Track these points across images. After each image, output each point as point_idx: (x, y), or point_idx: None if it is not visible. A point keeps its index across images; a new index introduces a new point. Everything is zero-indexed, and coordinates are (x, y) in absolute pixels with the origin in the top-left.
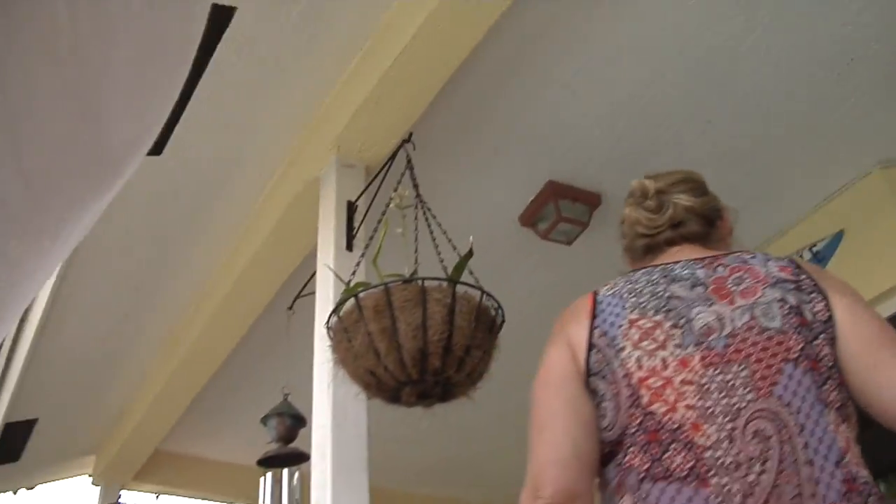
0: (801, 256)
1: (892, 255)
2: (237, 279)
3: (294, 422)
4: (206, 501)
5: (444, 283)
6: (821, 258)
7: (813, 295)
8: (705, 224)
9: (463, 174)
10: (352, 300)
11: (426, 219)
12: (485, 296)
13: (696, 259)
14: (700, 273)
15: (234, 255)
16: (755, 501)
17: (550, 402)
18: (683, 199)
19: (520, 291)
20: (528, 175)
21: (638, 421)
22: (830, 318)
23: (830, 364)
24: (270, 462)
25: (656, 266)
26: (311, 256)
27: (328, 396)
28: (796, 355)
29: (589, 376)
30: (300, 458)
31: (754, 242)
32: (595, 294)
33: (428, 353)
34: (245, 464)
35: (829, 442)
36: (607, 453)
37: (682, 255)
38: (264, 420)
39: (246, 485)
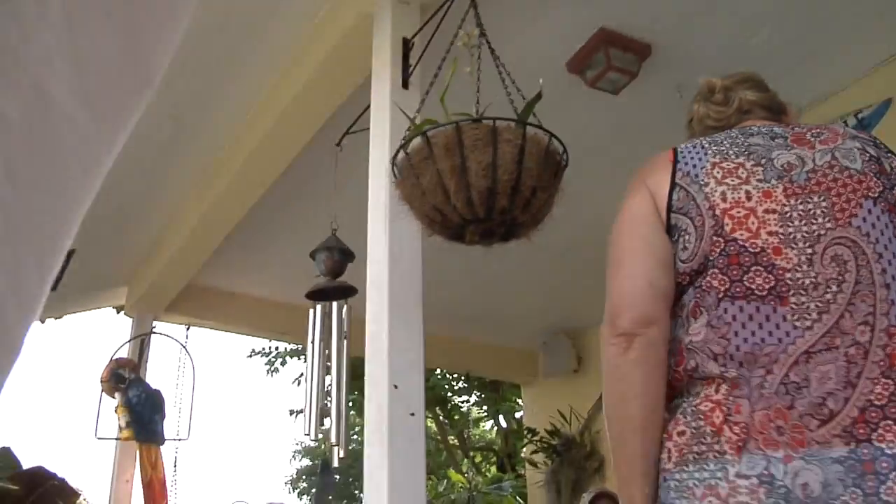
0: (845, 122)
1: None
2: (281, 113)
3: (342, 256)
4: (235, 334)
5: (514, 124)
6: (866, 124)
7: (890, 155)
8: (771, 114)
9: (513, 18)
10: (420, 137)
11: (493, 59)
12: (552, 139)
13: (772, 122)
14: (778, 129)
15: (278, 89)
16: (830, 317)
17: (628, 241)
18: (749, 94)
19: (563, 138)
20: (578, 21)
21: (720, 248)
22: None
23: None
24: (319, 295)
25: (732, 129)
26: (359, 93)
27: (385, 233)
28: (876, 195)
29: (670, 213)
30: (349, 292)
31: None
32: (675, 148)
33: (496, 193)
34: (276, 299)
35: None
36: (687, 283)
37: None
38: (313, 254)
39: (278, 320)
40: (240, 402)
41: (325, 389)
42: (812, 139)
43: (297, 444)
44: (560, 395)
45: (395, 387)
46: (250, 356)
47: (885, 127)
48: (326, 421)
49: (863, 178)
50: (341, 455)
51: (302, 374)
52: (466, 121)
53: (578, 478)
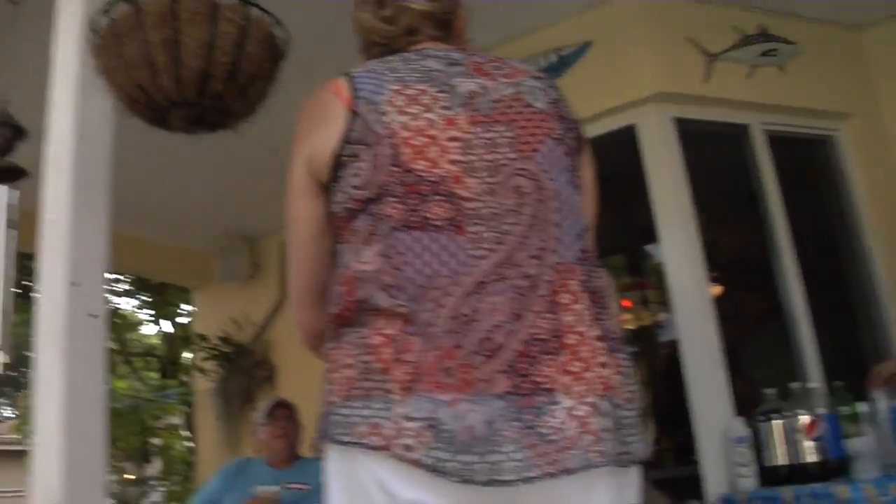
0: (546, 58)
1: (632, 74)
2: None
3: (13, 132)
4: None
5: (239, 1)
6: (566, 62)
7: (566, 103)
8: (442, 28)
9: None
10: (128, 1)
11: None
12: (276, 24)
13: (445, 45)
14: (455, 55)
15: None
16: (505, 248)
17: (294, 228)
18: (418, 4)
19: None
20: None
21: (397, 178)
22: (576, 121)
23: (578, 160)
24: None
25: (407, 53)
26: None
27: (73, 109)
28: (557, 136)
29: (347, 144)
30: (17, 175)
31: (495, 38)
32: (349, 74)
33: (211, 75)
34: None
35: (577, 216)
36: (360, 208)
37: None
38: None
39: None
40: None
41: None
42: (493, 71)
43: None
44: (234, 301)
45: (75, 284)
46: None
47: (582, 66)
48: None
49: (546, 117)
50: (6, 360)
51: None
52: None
53: (249, 386)
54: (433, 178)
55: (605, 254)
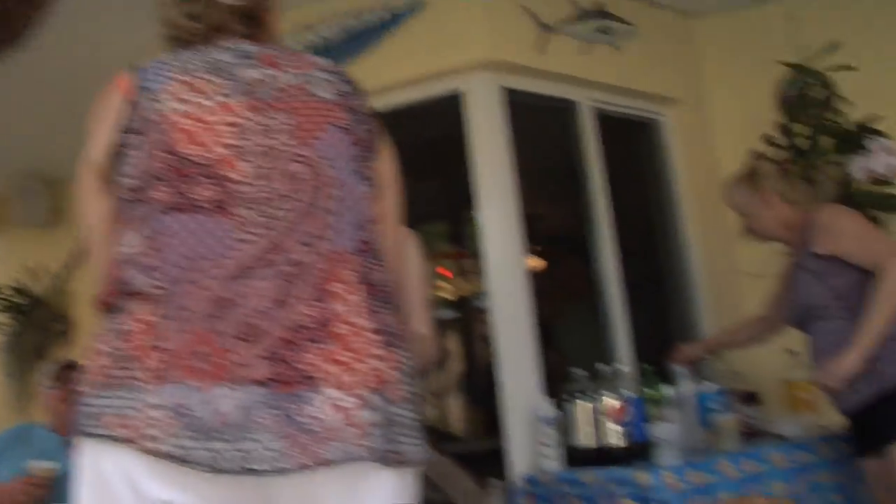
0: (376, 14)
1: (463, 39)
2: None
3: None
4: None
5: None
6: (396, 20)
7: (360, 96)
8: (251, 25)
9: None
10: None
11: None
12: None
13: (244, 40)
14: (249, 48)
15: None
16: (275, 234)
17: (90, 238)
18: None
19: None
20: None
21: (167, 163)
22: (369, 116)
23: (369, 152)
24: None
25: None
26: None
27: None
28: (344, 124)
29: (124, 135)
30: None
31: None
32: (134, 66)
33: None
34: None
35: (359, 207)
36: (133, 198)
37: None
38: None
39: None
40: None
41: None
42: (283, 62)
43: None
44: (31, 248)
45: None
46: None
47: (412, 26)
48: None
49: (331, 107)
50: None
51: None
52: None
53: (44, 342)
54: (203, 162)
55: (427, 220)
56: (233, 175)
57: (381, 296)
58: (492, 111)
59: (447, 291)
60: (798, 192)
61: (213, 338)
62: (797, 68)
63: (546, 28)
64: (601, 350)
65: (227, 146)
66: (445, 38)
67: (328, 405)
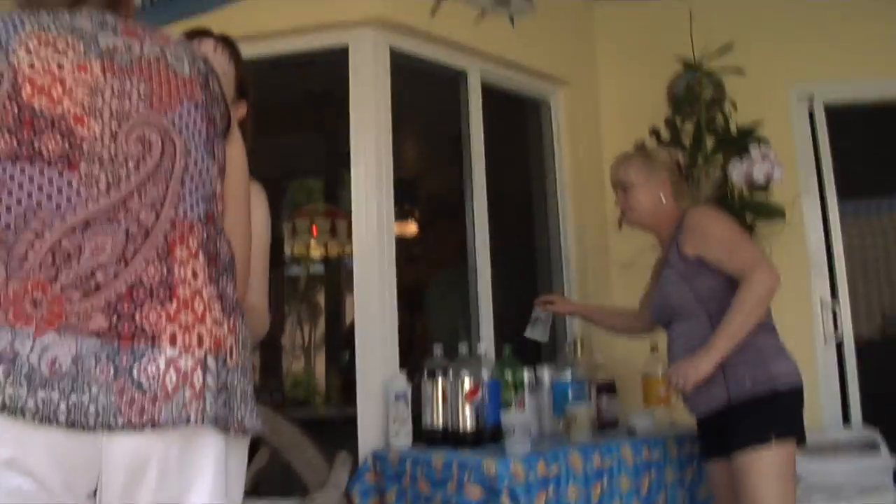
0: None
1: None
2: None
3: None
4: None
5: None
6: None
7: (214, 76)
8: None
9: None
10: None
11: None
12: None
13: (104, 10)
14: (109, 18)
15: None
16: (119, 193)
17: None
18: None
19: None
20: None
21: (13, 112)
22: (224, 98)
23: (221, 133)
24: None
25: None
26: None
27: None
28: (199, 101)
29: None
30: None
31: None
32: None
33: None
34: None
35: (207, 181)
36: None
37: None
38: None
39: None
40: None
41: None
42: (143, 34)
43: None
44: None
45: None
46: None
47: None
48: None
49: (189, 83)
50: None
51: None
52: None
53: None
54: (52, 115)
55: (305, 174)
56: (82, 132)
57: (222, 265)
58: (376, 70)
59: (315, 249)
60: (684, 188)
61: (50, 286)
62: (689, 65)
63: None
64: (465, 322)
65: (76, 103)
66: None
67: (165, 364)
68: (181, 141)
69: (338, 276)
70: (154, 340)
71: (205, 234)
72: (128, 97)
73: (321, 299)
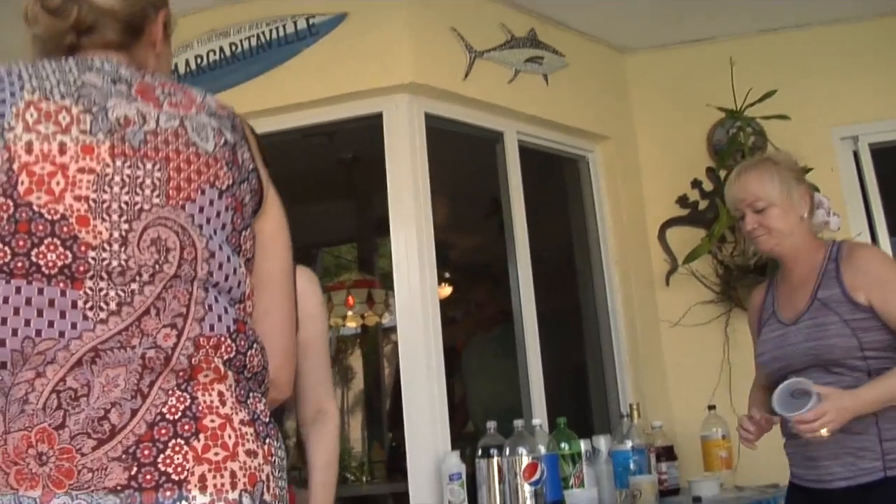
0: (295, 23)
1: (387, 59)
2: None
3: None
4: None
5: None
6: (316, 31)
7: (245, 144)
8: (127, 32)
9: None
10: None
11: None
12: None
13: (120, 59)
14: (124, 72)
15: None
16: (133, 312)
17: None
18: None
19: None
20: None
21: (9, 212)
22: (255, 169)
23: (249, 217)
24: None
25: (69, 58)
26: None
27: None
28: (224, 186)
29: None
30: None
31: None
32: None
33: None
34: None
35: (234, 283)
36: None
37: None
38: None
39: None
40: None
41: None
42: (161, 97)
43: None
44: None
45: None
46: None
47: (333, 40)
48: None
49: (212, 162)
50: None
51: None
52: None
53: None
54: (52, 217)
55: (337, 242)
56: (86, 236)
57: (252, 380)
58: (412, 135)
59: (351, 321)
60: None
61: (55, 434)
62: (730, 112)
63: (476, 53)
64: (513, 391)
65: (80, 198)
66: (368, 55)
67: None
68: (203, 240)
69: (375, 344)
70: (182, 487)
71: (234, 349)
72: (140, 188)
73: (354, 362)
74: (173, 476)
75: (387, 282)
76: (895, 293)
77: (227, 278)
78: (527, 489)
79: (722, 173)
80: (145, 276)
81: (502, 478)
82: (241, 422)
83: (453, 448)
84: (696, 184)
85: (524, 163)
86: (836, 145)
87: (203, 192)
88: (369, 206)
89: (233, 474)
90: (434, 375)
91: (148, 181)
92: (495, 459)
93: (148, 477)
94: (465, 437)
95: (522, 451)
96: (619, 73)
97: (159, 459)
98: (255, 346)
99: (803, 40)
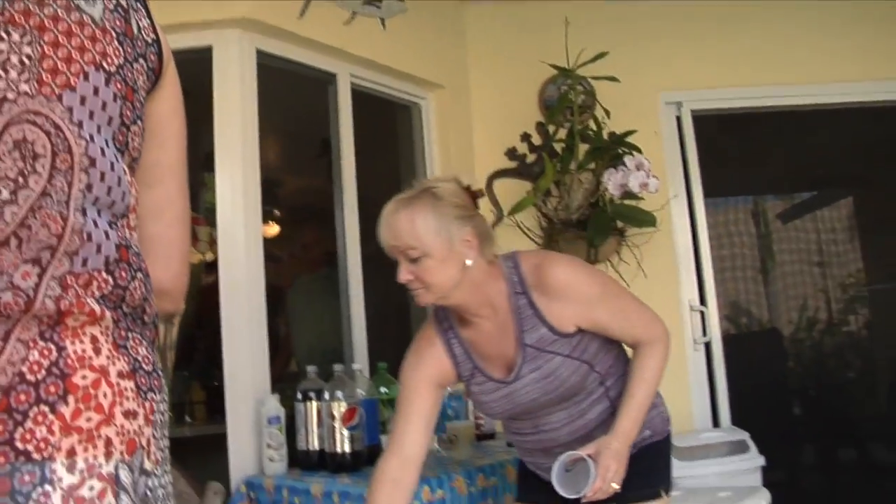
0: None
1: None
2: None
3: None
4: None
5: None
6: None
7: (142, 9)
8: None
9: None
10: None
11: None
12: None
13: None
14: None
15: None
16: None
17: None
18: None
19: None
20: None
21: None
22: (157, 41)
23: (140, 104)
24: None
25: None
26: None
27: None
28: (112, 68)
29: None
30: None
31: None
32: None
33: None
34: None
35: (120, 193)
36: None
37: None
38: None
39: None
40: None
41: None
42: None
43: None
44: None
45: None
46: None
47: None
48: None
49: (99, 35)
50: None
51: None
52: None
53: None
54: None
55: None
56: None
57: (134, 316)
58: (241, 72)
59: None
60: (486, 230)
61: None
62: (562, 70)
63: None
64: (334, 330)
65: None
66: None
67: (61, 499)
68: (81, 144)
69: (198, 281)
70: (44, 465)
71: (111, 283)
72: (3, 68)
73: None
74: (34, 455)
75: (211, 219)
76: (599, 307)
77: (109, 191)
78: (345, 433)
79: (551, 128)
80: (5, 194)
81: (321, 422)
82: (119, 374)
83: (275, 389)
84: (525, 137)
85: (357, 106)
86: (661, 110)
87: (87, 77)
88: (196, 142)
89: (108, 442)
90: (255, 316)
91: (14, 58)
92: (314, 403)
93: (2, 460)
94: (288, 376)
95: (340, 395)
96: (458, 23)
97: (16, 435)
98: (138, 275)
99: (640, 9)
